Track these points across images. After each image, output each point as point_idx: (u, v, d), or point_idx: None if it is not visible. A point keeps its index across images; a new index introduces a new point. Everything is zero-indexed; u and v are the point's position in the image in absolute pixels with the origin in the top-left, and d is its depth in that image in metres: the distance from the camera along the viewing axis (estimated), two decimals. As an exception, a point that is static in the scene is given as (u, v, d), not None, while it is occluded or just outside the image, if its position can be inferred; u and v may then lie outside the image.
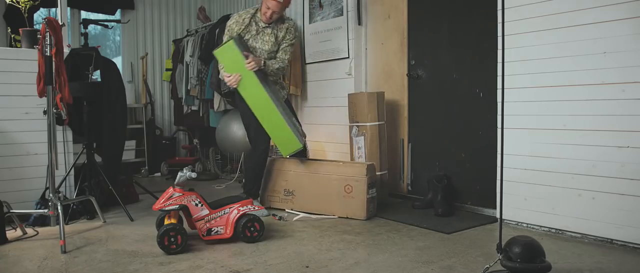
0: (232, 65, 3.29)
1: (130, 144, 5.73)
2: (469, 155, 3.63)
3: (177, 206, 2.76)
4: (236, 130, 4.95)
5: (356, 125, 3.90)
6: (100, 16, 6.02)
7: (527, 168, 3.04)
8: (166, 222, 2.76)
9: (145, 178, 5.64)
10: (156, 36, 6.44)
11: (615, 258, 2.47)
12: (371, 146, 3.82)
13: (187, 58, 5.59)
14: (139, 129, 5.93)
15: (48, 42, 2.89)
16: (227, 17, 5.32)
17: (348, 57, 4.36)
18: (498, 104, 3.15)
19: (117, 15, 6.22)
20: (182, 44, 5.85)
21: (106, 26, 4.61)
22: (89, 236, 3.07)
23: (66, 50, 3.45)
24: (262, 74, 3.46)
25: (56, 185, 3.10)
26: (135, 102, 6.15)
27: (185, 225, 2.93)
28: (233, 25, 3.52)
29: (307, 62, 4.81)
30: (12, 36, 3.83)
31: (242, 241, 2.84)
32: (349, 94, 4.02)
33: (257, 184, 3.68)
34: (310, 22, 4.74)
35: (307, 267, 2.42)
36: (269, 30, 3.53)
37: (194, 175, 2.82)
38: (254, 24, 3.54)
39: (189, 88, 5.58)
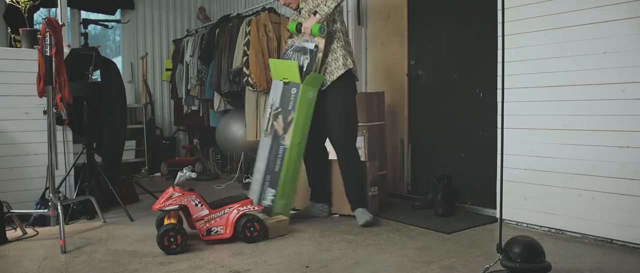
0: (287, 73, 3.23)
1: (130, 144, 5.73)
2: (469, 155, 3.63)
3: (177, 206, 2.76)
4: (236, 130, 4.95)
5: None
6: (100, 16, 6.02)
7: (527, 168, 3.04)
8: (166, 222, 2.76)
9: (145, 178, 5.64)
10: (156, 36, 6.44)
11: (615, 258, 2.47)
12: (371, 146, 3.82)
13: (187, 58, 5.60)
14: (139, 129, 5.93)
15: (48, 42, 2.89)
16: (227, 17, 5.33)
17: (348, 57, 4.35)
18: (498, 104, 3.15)
19: (117, 15, 6.22)
20: (182, 44, 5.85)
21: (106, 26, 4.61)
22: (89, 236, 3.07)
23: (66, 50, 3.45)
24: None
25: (56, 185, 3.10)
26: (135, 102, 6.15)
27: (185, 225, 2.93)
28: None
29: (307, 62, 4.80)
30: (12, 36, 3.83)
31: (242, 241, 2.84)
32: (349, 94, 4.01)
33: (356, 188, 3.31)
34: (310, 22, 4.73)
35: (307, 267, 2.42)
36: (301, 13, 3.32)
37: (194, 175, 2.82)
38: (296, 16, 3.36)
39: (189, 88, 5.58)
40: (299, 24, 3.24)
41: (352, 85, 3.31)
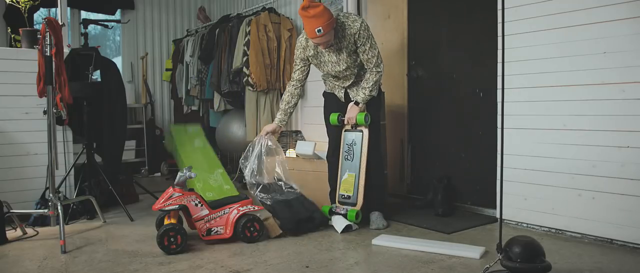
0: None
1: (130, 144, 5.73)
2: (469, 155, 3.62)
3: (177, 206, 2.76)
4: (236, 130, 4.95)
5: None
6: (100, 16, 6.02)
7: (527, 168, 3.04)
8: (166, 222, 2.76)
9: (145, 178, 5.64)
10: (156, 36, 6.44)
11: (615, 258, 2.47)
12: (371, 146, 3.81)
13: (187, 58, 5.60)
14: (139, 129, 5.93)
15: (48, 42, 2.89)
16: (227, 17, 5.33)
17: (348, 57, 4.35)
18: (498, 104, 3.15)
19: (117, 15, 6.23)
20: (182, 44, 5.85)
21: (106, 26, 4.61)
22: (89, 236, 3.07)
23: (66, 50, 3.45)
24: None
25: (56, 185, 3.10)
26: (135, 102, 6.15)
27: (185, 225, 2.93)
28: (299, 54, 3.26)
29: (307, 62, 4.80)
30: (12, 36, 3.83)
31: (242, 241, 2.84)
32: (349, 94, 4.01)
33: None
34: (310, 22, 4.73)
35: (307, 267, 2.42)
36: (333, 48, 3.13)
37: (193, 175, 2.82)
38: (317, 50, 3.20)
39: (189, 88, 5.59)
40: (340, 116, 3.29)
41: (379, 95, 3.33)
